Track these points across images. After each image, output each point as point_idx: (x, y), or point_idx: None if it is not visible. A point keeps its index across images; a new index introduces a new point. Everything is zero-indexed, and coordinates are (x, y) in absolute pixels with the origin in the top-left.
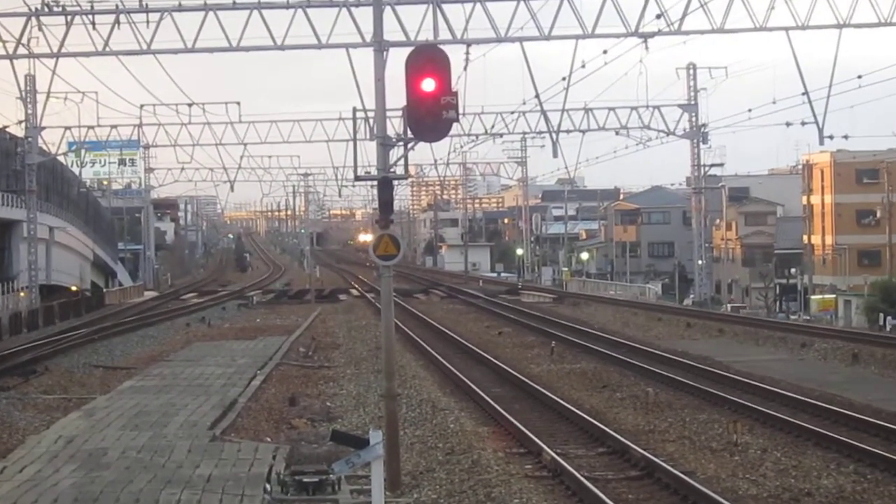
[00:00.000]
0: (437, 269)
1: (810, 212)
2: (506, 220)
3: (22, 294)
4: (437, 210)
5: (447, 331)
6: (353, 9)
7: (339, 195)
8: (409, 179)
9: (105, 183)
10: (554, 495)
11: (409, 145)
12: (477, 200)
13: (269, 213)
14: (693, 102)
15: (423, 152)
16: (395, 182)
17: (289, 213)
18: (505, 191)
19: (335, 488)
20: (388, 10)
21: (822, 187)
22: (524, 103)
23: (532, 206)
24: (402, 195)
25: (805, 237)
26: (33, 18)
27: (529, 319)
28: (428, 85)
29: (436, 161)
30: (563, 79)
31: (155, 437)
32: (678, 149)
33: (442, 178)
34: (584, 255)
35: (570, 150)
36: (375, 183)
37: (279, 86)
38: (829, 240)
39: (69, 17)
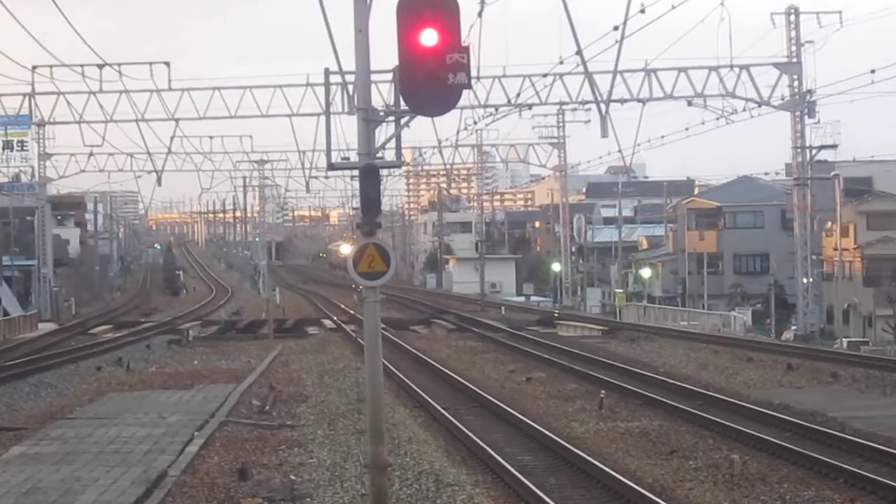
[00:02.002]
0: (443, 291)
1: None
2: (537, 224)
3: None
4: (441, 210)
5: (456, 377)
6: None
7: (307, 190)
8: (404, 168)
9: None
10: None
11: (403, 121)
12: (497, 197)
13: (211, 216)
14: (795, 60)
15: (422, 130)
16: (384, 172)
17: (237, 214)
18: (536, 183)
19: None
20: None
21: None
22: (561, 63)
23: (573, 205)
24: (395, 190)
25: None
26: None
27: (570, 360)
28: (428, 38)
29: (440, 143)
30: (616, 28)
31: None
32: (775, 125)
33: (449, 167)
34: (646, 272)
35: (626, 127)
36: (356, 173)
37: (224, 39)
38: None
39: None
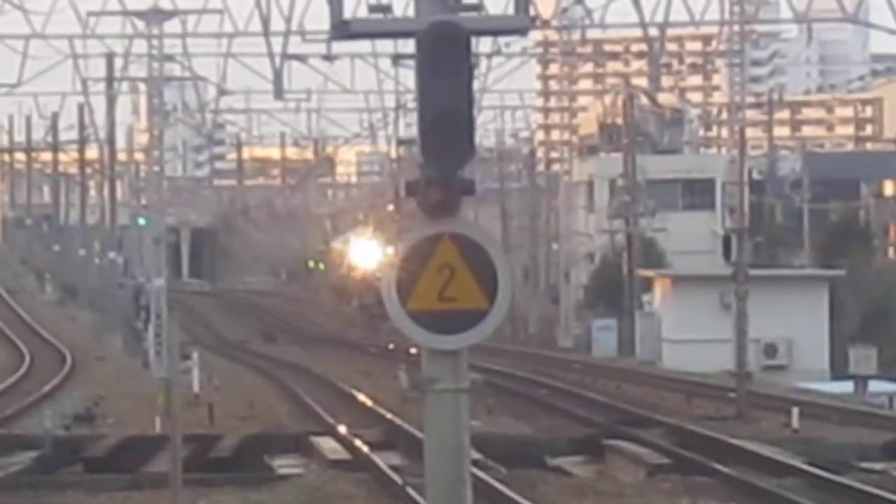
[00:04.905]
0: (637, 364)
1: None
2: (889, 188)
3: None
4: (633, 150)
5: None
6: None
7: (277, 94)
8: (533, 38)
9: None
10: None
11: None
12: (783, 113)
13: (21, 157)
14: None
15: None
16: (484, 44)
17: (91, 157)
18: (888, 80)
19: None
20: None
21: None
22: None
23: None
24: (508, 94)
25: None
26: None
27: None
28: None
29: None
30: None
31: None
32: None
33: (657, 31)
34: None
35: None
36: (406, 47)
37: None
38: None
39: None
